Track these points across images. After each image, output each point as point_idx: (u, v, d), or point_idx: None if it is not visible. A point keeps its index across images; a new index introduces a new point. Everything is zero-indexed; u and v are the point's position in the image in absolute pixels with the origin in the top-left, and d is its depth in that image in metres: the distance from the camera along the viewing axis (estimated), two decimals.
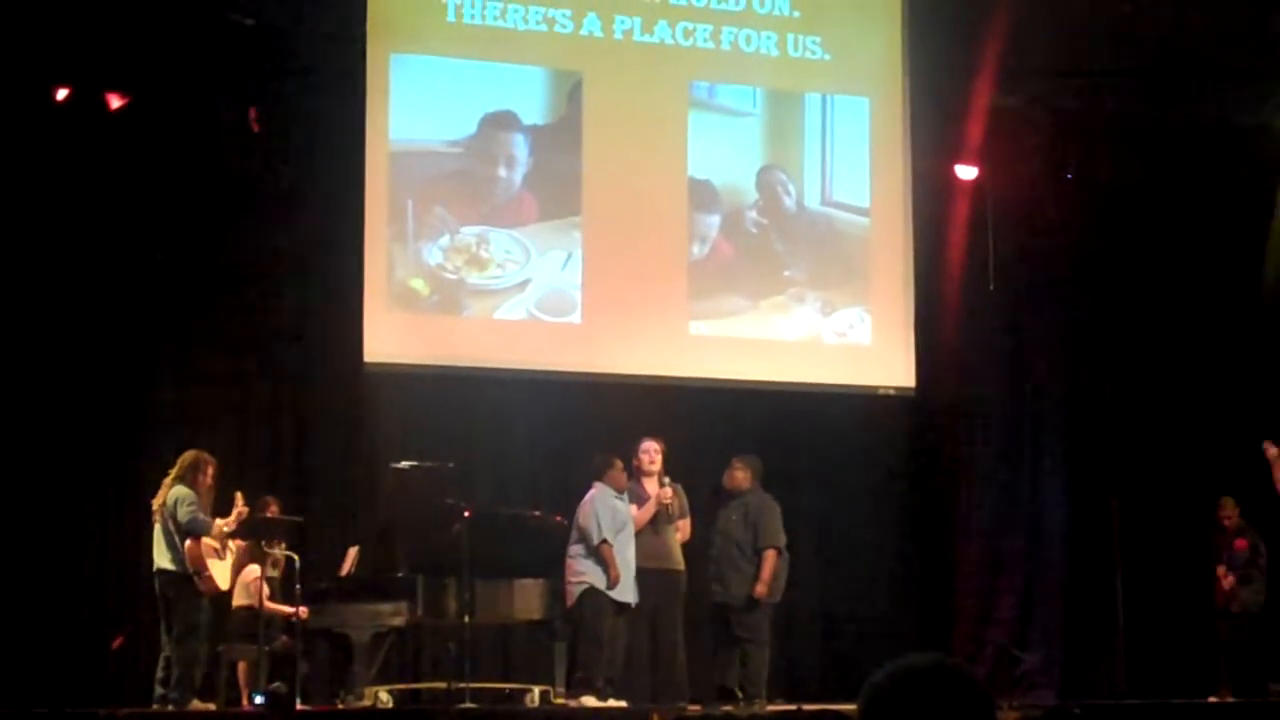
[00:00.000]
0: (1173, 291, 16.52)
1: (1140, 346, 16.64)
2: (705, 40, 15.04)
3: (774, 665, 13.62)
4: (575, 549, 12.46)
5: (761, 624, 12.96)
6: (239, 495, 12.10)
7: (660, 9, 14.94)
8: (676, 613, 12.81)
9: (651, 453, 12.91)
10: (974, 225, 16.04)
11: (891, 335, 15.29)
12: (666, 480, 12.84)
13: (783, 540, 13.06)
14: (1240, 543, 14.61)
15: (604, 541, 12.33)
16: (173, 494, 11.79)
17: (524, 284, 14.44)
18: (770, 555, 12.94)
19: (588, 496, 12.56)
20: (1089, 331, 16.69)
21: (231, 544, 12.29)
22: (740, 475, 13.16)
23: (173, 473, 11.96)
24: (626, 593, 12.43)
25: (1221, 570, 14.62)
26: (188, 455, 12.07)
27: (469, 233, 14.36)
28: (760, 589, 12.85)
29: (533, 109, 14.71)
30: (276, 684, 12.20)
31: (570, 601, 12.43)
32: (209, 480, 12.02)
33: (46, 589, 13.61)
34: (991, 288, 16.07)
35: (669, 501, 12.74)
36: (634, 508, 12.66)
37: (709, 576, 13.05)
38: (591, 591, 12.33)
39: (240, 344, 14.49)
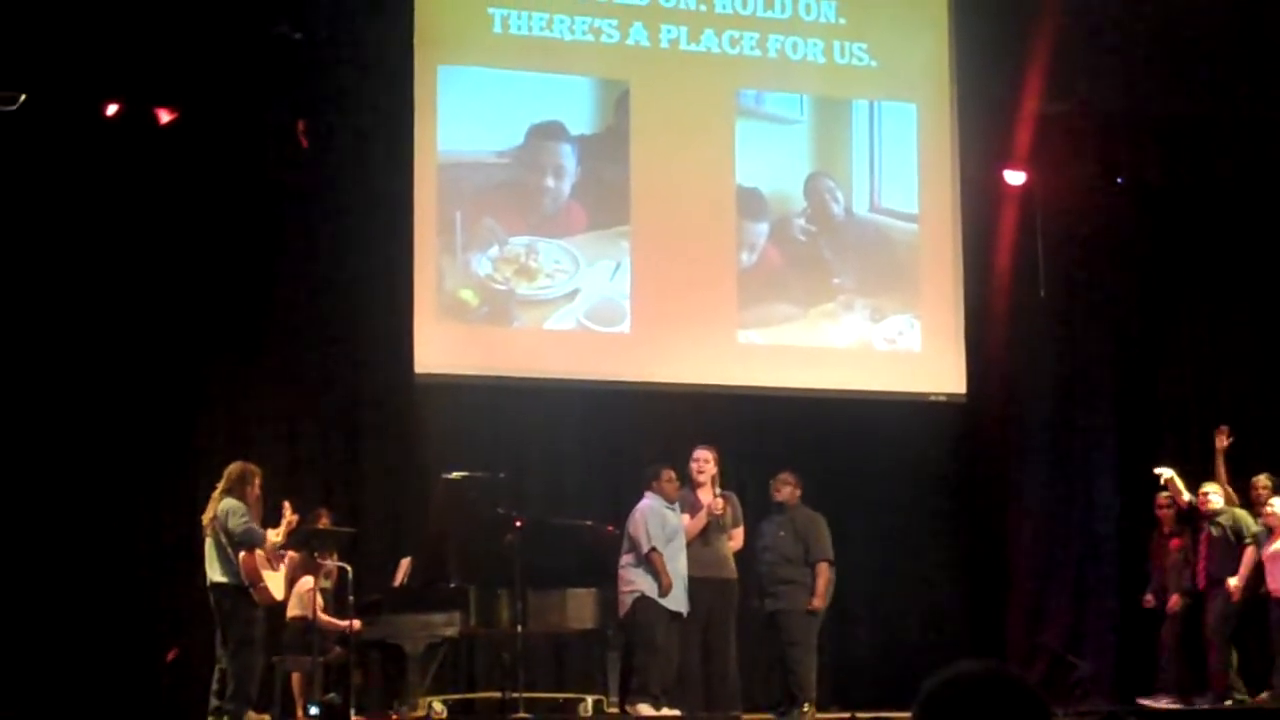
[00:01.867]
0: (1224, 294, 16.45)
1: (1191, 350, 16.58)
2: (752, 48, 15.04)
3: (827, 673, 13.61)
4: (626, 559, 12.44)
5: (810, 630, 12.93)
6: (287, 505, 12.12)
7: (706, 17, 14.95)
8: (729, 622, 12.78)
9: (702, 461, 12.85)
10: (1023, 231, 16.00)
11: (942, 342, 15.26)
12: (718, 491, 12.79)
13: (832, 553, 13.05)
14: (1176, 541, 14.41)
15: (653, 550, 12.30)
16: (222, 506, 11.81)
17: (573, 294, 14.46)
18: (824, 568, 12.93)
19: (638, 506, 12.54)
20: (1139, 336, 16.62)
21: (285, 555, 12.31)
22: (789, 489, 13.14)
23: (220, 485, 11.97)
24: (678, 602, 12.39)
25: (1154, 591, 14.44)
26: (234, 467, 12.08)
27: (518, 243, 14.39)
28: (817, 602, 12.86)
29: (580, 119, 14.73)
30: (331, 695, 12.25)
31: (623, 611, 12.39)
32: (256, 490, 12.04)
33: (101, 602, 13.66)
34: (1042, 293, 16.02)
35: (720, 513, 12.69)
36: (686, 517, 12.62)
37: (761, 591, 13.02)
38: (644, 599, 12.30)
39: (291, 356, 14.53)
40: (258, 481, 12.04)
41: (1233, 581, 13.72)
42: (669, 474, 12.61)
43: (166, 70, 13.82)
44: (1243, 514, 13.87)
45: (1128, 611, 15.78)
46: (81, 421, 13.72)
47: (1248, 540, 13.72)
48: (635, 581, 12.34)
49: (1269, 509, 13.65)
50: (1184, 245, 16.53)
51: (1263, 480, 13.97)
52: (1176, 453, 16.01)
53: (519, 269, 14.37)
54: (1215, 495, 13.98)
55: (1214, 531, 13.82)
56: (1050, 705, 3.01)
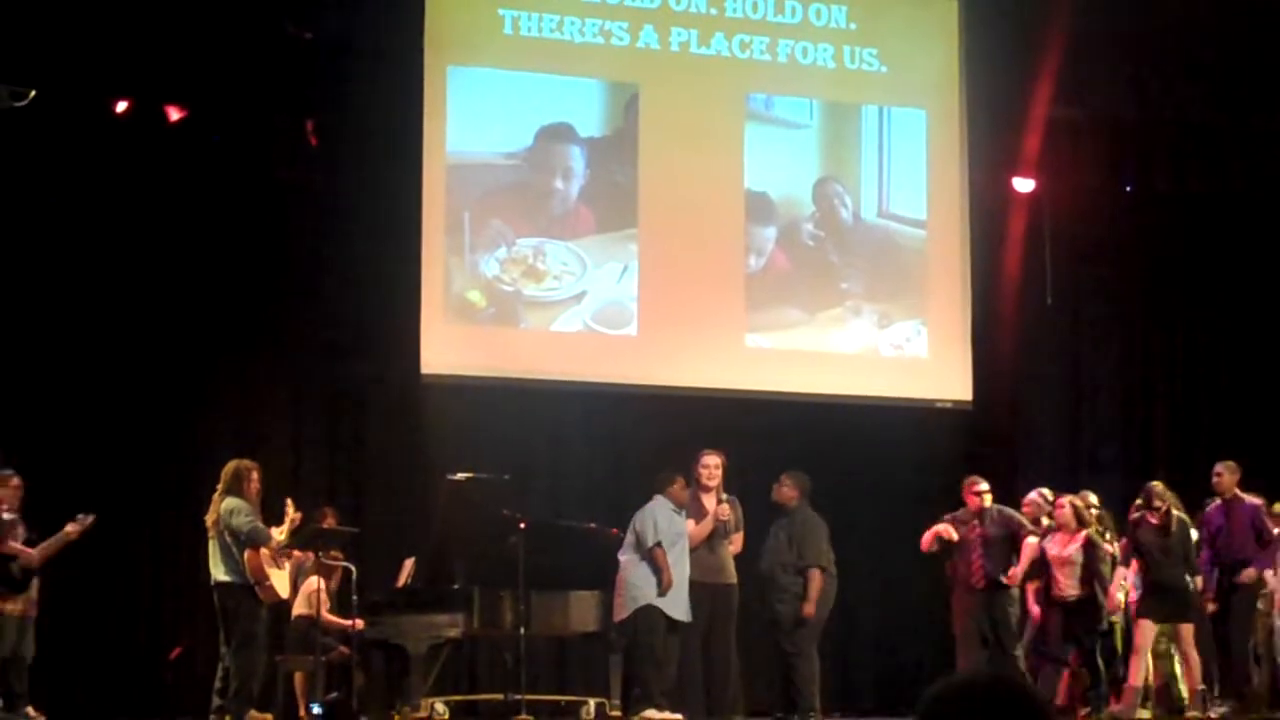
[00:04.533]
0: (1231, 303, 16.44)
1: (1198, 361, 16.57)
2: (762, 52, 15.04)
3: (830, 679, 13.57)
4: (627, 557, 12.32)
5: (807, 639, 12.87)
6: (290, 502, 12.12)
7: (717, 21, 14.95)
8: (730, 627, 12.72)
9: (712, 467, 12.78)
10: (1031, 238, 16.01)
11: (948, 348, 15.26)
12: (725, 496, 12.75)
13: (826, 559, 12.97)
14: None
15: (658, 544, 12.21)
16: (225, 506, 11.78)
17: (580, 296, 14.47)
18: (815, 574, 12.85)
19: (647, 506, 12.45)
20: (1146, 344, 16.62)
21: (290, 553, 12.29)
22: (788, 491, 13.06)
23: (219, 486, 11.94)
24: (680, 609, 12.31)
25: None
26: (230, 465, 12.03)
27: (526, 245, 14.40)
28: (808, 609, 12.78)
29: (589, 121, 14.74)
30: (333, 695, 12.24)
31: (621, 615, 12.31)
32: (255, 485, 12.00)
33: (105, 600, 13.68)
34: (1049, 300, 16.03)
35: (727, 519, 12.66)
36: (691, 522, 12.56)
37: (762, 593, 12.98)
38: (647, 609, 12.21)
39: (298, 356, 14.54)
40: (255, 476, 12.00)
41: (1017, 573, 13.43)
42: (682, 481, 12.54)
43: (176, 68, 13.83)
44: (1008, 509, 13.56)
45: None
46: (87, 419, 13.74)
47: (1024, 532, 13.37)
48: (638, 586, 12.23)
49: (1061, 508, 13.42)
50: (1192, 253, 16.53)
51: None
52: (1182, 461, 16.02)
53: (526, 270, 14.38)
54: (989, 494, 13.52)
55: (991, 530, 13.35)
56: (1052, 713, 3.00)
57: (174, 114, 14.03)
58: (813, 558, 12.87)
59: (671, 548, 12.29)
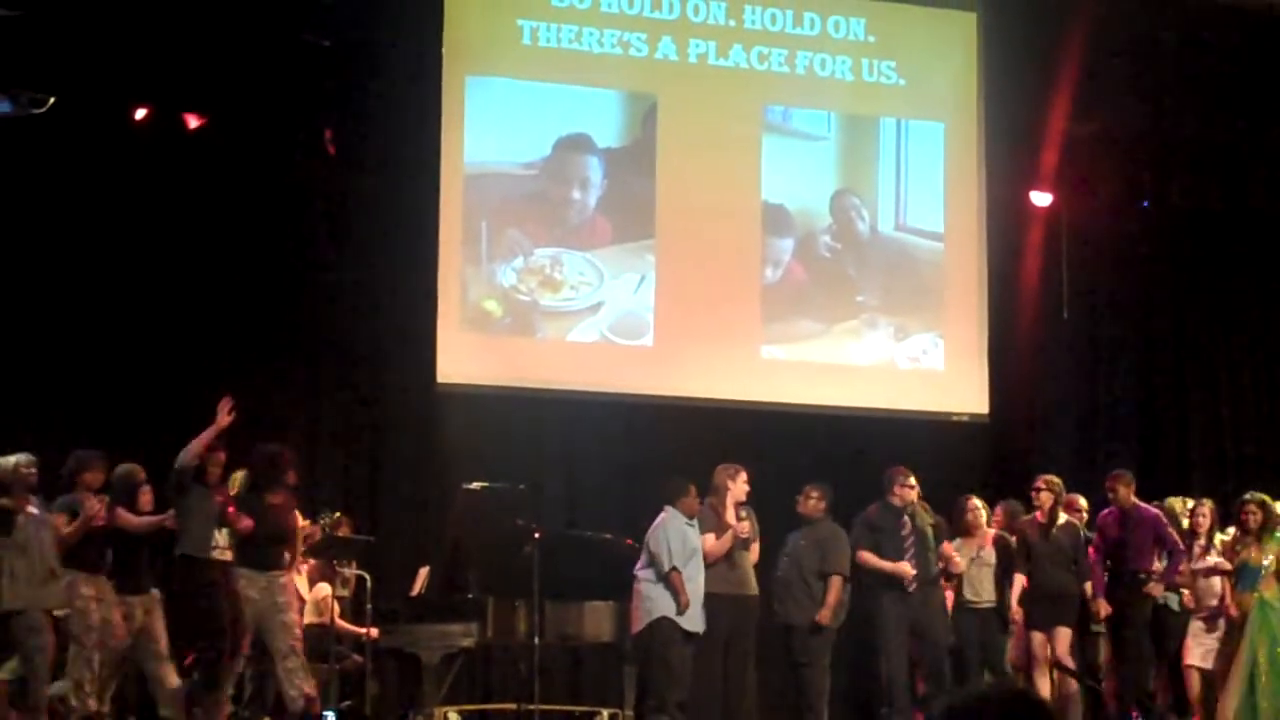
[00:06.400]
0: (1248, 317, 16.42)
1: (1217, 374, 16.54)
2: (780, 64, 15.05)
3: (844, 691, 13.52)
4: (644, 574, 12.27)
5: (821, 648, 12.82)
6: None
7: (735, 33, 14.96)
8: (750, 639, 12.65)
9: (744, 481, 12.70)
10: (1048, 251, 16.01)
11: (965, 361, 15.25)
12: (744, 513, 12.70)
13: (848, 568, 12.95)
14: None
15: (674, 569, 12.16)
16: None
17: (597, 306, 14.48)
18: (836, 581, 12.82)
19: (658, 521, 12.36)
20: (1164, 359, 16.59)
21: (306, 561, 12.30)
22: (813, 503, 13.04)
23: (233, 492, 11.94)
24: (695, 622, 12.24)
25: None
26: (236, 475, 12.04)
27: (543, 255, 14.42)
28: (825, 614, 12.72)
29: (607, 132, 14.76)
30: (347, 703, 12.23)
31: (637, 627, 12.27)
32: None
33: None
34: (1065, 314, 16.01)
35: (747, 534, 12.63)
36: (711, 536, 12.47)
37: (774, 599, 12.94)
38: (661, 621, 12.17)
39: (314, 364, 14.55)
40: None
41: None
42: (692, 490, 12.49)
43: (195, 76, 13.86)
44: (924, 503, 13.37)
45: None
46: (103, 426, 13.73)
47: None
48: (655, 600, 12.15)
49: (975, 510, 13.25)
50: (1208, 268, 16.52)
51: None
52: (1200, 475, 16.01)
53: (543, 280, 14.39)
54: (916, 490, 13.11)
55: (922, 526, 12.90)
56: None
57: (192, 122, 14.06)
58: (837, 565, 12.84)
59: (685, 565, 12.20)
